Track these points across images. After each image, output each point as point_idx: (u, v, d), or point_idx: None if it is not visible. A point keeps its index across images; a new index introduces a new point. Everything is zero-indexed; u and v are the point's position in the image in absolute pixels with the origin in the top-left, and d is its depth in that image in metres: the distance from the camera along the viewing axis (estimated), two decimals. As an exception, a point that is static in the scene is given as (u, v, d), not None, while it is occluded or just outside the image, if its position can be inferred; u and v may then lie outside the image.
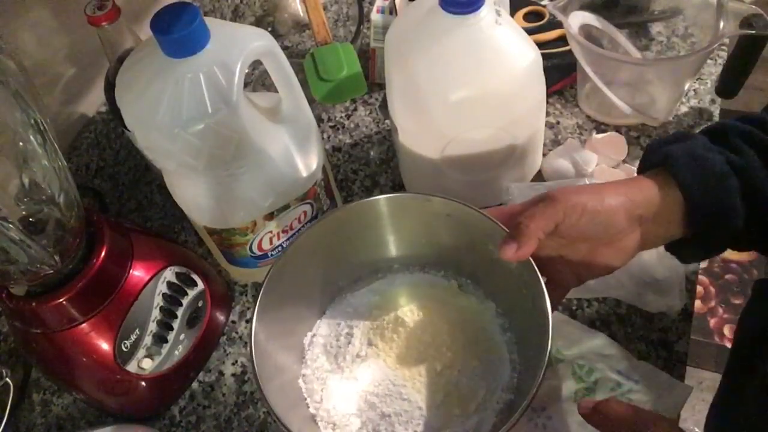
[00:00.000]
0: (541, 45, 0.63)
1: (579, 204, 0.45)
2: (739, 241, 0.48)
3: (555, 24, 0.80)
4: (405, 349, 0.56)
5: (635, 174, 0.51)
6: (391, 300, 0.59)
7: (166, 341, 0.60)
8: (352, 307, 0.60)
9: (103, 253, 0.56)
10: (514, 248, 0.45)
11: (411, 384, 0.54)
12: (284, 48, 0.80)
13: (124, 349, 0.57)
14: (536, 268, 0.47)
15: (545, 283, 0.46)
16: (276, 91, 0.58)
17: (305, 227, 0.62)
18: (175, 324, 0.61)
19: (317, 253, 0.55)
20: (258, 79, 0.80)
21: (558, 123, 0.77)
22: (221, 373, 0.64)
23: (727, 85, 0.72)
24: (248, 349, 0.55)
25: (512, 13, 0.81)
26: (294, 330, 0.57)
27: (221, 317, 0.67)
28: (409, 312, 0.58)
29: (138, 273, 0.59)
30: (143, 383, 0.59)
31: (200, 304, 0.63)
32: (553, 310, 0.46)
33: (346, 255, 0.58)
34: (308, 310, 0.58)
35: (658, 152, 0.48)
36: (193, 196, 0.58)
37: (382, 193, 0.74)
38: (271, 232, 0.61)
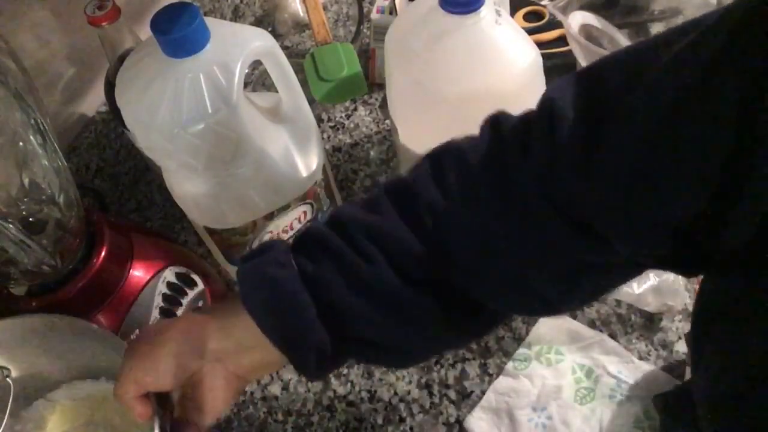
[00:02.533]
0: (541, 45, 0.63)
1: (147, 380, 0.41)
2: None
3: (555, 24, 0.80)
4: None
5: None
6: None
7: (166, 341, 0.60)
8: None
9: (103, 253, 0.56)
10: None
11: None
12: (284, 48, 0.80)
13: (124, 349, 0.57)
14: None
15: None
16: (276, 91, 0.58)
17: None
18: (175, 324, 0.61)
19: None
20: (258, 79, 0.80)
21: (558, 123, 0.77)
22: (221, 373, 0.64)
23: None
24: None
25: (512, 13, 0.81)
26: None
27: (221, 317, 0.67)
28: None
29: (138, 273, 0.59)
30: (143, 383, 0.59)
31: (200, 304, 0.63)
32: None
33: None
34: None
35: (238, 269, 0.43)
36: (193, 196, 0.58)
37: (382, 193, 0.74)
38: (271, 232, 0.61)
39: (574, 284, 0.40)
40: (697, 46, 0.31)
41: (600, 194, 0.35)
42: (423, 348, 0.44)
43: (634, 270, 0.41)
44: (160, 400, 0.43)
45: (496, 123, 0.42)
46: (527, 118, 0.40)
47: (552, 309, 0.44)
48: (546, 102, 0.38)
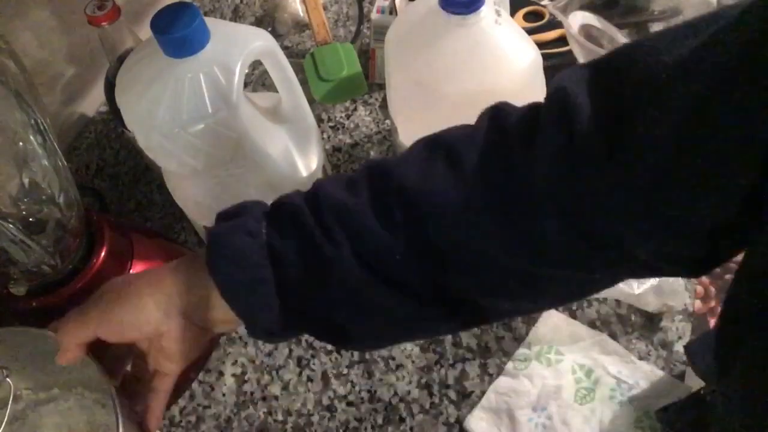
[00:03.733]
0: (541, 45, 0.63)
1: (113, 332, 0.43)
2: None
3: (555, 24, 0.80)
4: None
5: None
6: None
7: (166, 341, 0.60)
8: None
9: (103, 253, 0.56)
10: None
11: None
12: (284, 48, 0.80)
13: (124, 349, 0.57)
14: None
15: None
16: (276, 91, 0.58)
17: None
18: (175, 324, 0.61)
19: None
20: (258, 79, 0.80)
21: (558, 123, 0.77)
22: (221, 373, 0.64)
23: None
24: None
25: (512, 13, 0.81)
26: None
27: (221, 317, 0.67)
28: None
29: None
30: (143, 383, 0.59)
31: (200, 304, 0.63)
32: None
33: None
34: None
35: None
36: (193, 196, 0.58)
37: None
38: (271, 232, 0.61)
39: (570, 287, 0.40)
40: (713, 49, 0.30)
41: (622, 193, 0.33)
42: (377, 338, 0.45)
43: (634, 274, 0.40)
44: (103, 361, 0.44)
45: (496, 113, 0.41)
46: (534, 106, 0.39)
47: (539, 306, 0.45)
48: (558, 91, 0.36)
